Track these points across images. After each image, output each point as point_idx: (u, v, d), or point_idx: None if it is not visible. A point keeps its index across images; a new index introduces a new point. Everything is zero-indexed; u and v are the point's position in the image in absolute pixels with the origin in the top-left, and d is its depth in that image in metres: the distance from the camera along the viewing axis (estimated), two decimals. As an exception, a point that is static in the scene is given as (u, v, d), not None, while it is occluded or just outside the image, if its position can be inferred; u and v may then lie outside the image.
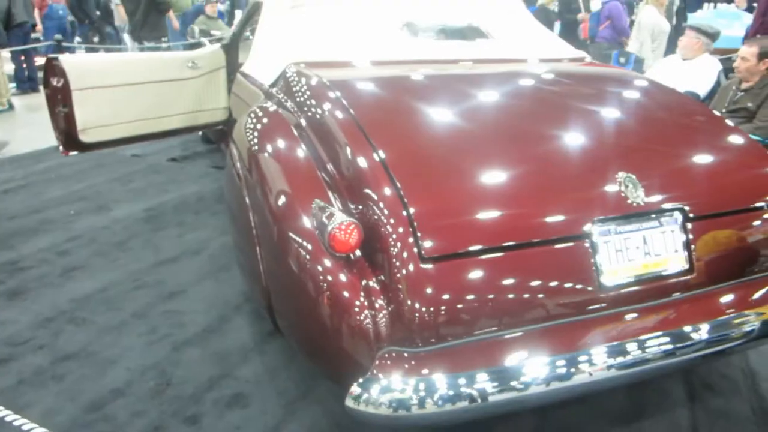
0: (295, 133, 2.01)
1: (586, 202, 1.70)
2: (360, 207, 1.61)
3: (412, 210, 1.52)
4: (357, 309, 1.49)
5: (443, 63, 2.50)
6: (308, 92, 2.12)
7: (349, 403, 1.41)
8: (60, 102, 3.37)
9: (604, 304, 1.63)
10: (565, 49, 2.91)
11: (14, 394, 2.05)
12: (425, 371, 1.43)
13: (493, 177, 1.71)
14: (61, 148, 3.51)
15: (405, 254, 1.48)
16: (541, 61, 2.67)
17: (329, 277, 1.54)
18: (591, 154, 1.86)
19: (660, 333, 1.60)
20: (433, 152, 1.78)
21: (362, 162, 1.66)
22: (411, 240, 1.48)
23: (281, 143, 2.01)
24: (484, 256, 1.53)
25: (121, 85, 3.52)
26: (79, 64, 3.41)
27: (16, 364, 2.21)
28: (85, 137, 3.47)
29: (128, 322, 2.51)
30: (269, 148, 2.03)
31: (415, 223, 1.50)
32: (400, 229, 1.50)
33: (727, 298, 1.78)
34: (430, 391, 1.39)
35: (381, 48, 2.56)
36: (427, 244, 1.49)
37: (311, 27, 2.73)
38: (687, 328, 1.63)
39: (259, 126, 2.20)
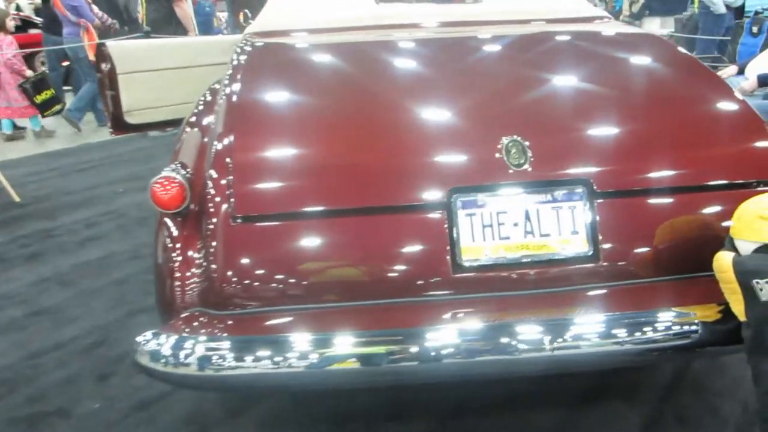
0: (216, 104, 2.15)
1: (450, 168, 1.59)
2: (195, 173, 1.69)
3: (234, 169, 1.56)
4: (174, 267, 1.59)
5: (405, 28, 2.45)
6: (231, 60, 2.26)
7: (136, 355, 1.50)
8: (108, 86, 3.92)
9: (457, 288, 1.52)
10: (578, 7, 2.65)
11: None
12: (214, 335, 1.46)
13: (345, 142, 1.67)
14: (110, 128, 4.07)
15: (217, 213, 1.53)
16: (527, 22, 2.49)
17: (162, 232, 1.66)
18: (477, 118, 1.72)
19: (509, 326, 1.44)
20: (296, 118, 1.78)
21: (206, 128, 1.76)
22: (225, 200, 1.53)
23: (203, 115, 2.18)
24: (306, 220, 1.52)
25: (166, 69, 3.98)
26: (125, 49, 3.93)
27: (-6, 315, 2.67)
28: (131, 119, 3.99)
29: (106, 287, 2.88)
30: (190, 120, 2.21)
31: (234, 184, 1.54)
32: (218, 190, 1.55)
33: (636, 295, 1.53)
34: (208, 354, 1.42)
35: (347, 12, 2.58)
36: (242, 204, 1.52)
37: None
38: (542, 325, 1.44)
39: (200, 99, 2.40)
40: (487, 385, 1.94)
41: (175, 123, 4.20)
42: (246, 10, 5.14)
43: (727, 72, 4.03)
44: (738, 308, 1.40)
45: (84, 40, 6.64)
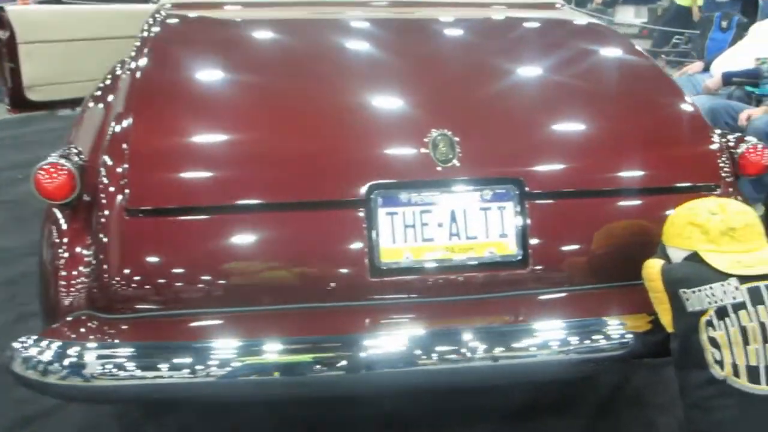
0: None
1: (370, 162, 1.62)
2: (90, 160, 1.67)
3: (131, 159, 1.54)
4: (60, 265, 1.57)
5: (344, 6, 2.48)
6: (142, 31, 2.23)
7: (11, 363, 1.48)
8: (6, 56, 3.81)
9: (375, 294, 1.55)
10: None
11: None
12: (104, 341, 1.46)
13: (259, 130, 1.69)
14: (8, 106, 3.95)
15: (109, 205, 1.52)
16: (474, 6, 2.56)
17: (48, 225, 1.64)
18: (405, 109, 1.76)
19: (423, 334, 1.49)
20: (206, 101, 1.78)
21: (106, 109, 1.75)
22: (118, 191, 1.51)
23: (106, 93, 2.15)
24: (209, 215, 1.53)
25: (76, 40, 3.89)
26: (28, 15, 3.83)
27: None
28: (32, 95, 3.88)
29: (-4, 287, 2.80)
30: (91, 99, 2.18)
31: (129, 173, 1.53)
32: (111, 179, 1.53)
33: (565, 304, 1.60)
34: (79, 363, 1.41)
35: None
36: (137, 195, 1.51)
37: None
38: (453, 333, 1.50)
39: (108, 74, 2.37)
40: (417, 401, 1.98)
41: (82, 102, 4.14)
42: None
43: (693, 68, 4.21)
44: (666, 319, 1.48)
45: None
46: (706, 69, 4.15)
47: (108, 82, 2.27)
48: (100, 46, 3.95)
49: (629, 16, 10.29)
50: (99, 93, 2.19)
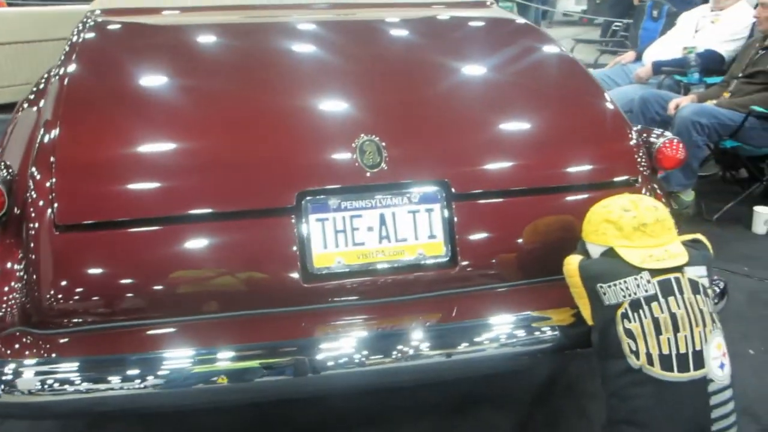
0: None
1: (299, 169, 1.61)
2: (20, 174, 1.62)
3: (59, 171, 1.50)
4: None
5: (273, 9, 2.45)
6: (70, 38, 2.17)
7: None
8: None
9: (308, 298, 1.55)
10: None
11: None
12: (40, 356, 1.43)
13: (190, 139, 1.66)
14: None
15: (38, 221, 1.48)
16: (404, 6, 2.56)
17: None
18: (332, 115, 1.76)
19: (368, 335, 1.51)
20: (135, 110, 1.73)
21: (36, 117, 1.70)
22: (47, 206, 1.48)
23: (36, 103, 2.09)
24: (140, 228, 1.51)
25: (8, 44, 3.72)
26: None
27: None
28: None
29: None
30: (20, 109, 2.12)
31: (57, 187, 1.49)
32: (39, 194, 1.50)
33: (494, 301, 1.63)
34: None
35: None
36: (65, 210, 1.48)
37: None
38: (397, 332, 1.52)
39: (38, 81, 2.30)
40: (359, 398, 1.99)
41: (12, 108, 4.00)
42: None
43: (626, 58, 4.29)
44: (586, 312, 1.51)
45: None
46: (639, 58, 4.23)
47: (39, 88, 2.21)
48: (33, 49, 3.83)
49: (570, 4, 10.44)
50: (29, 101, 2.13)
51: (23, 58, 3.68)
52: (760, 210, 3.40)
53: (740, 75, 3.48)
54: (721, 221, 3.47)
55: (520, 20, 2.49)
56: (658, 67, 3.87)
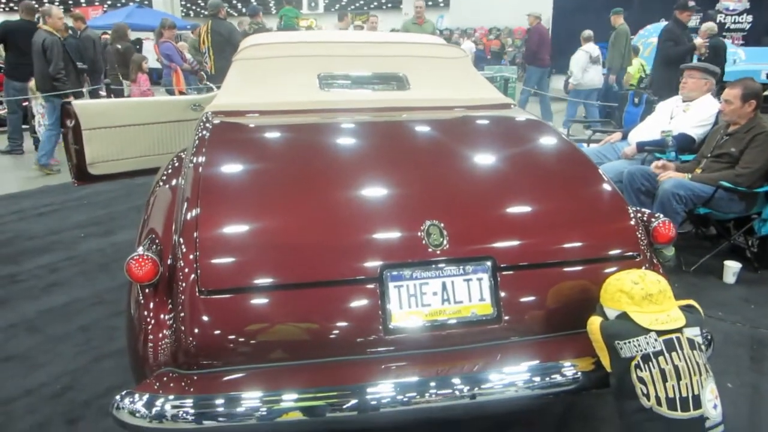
0: (182, 173, 2.26)
1: (381, 248, 1.78)
2: (164, 243, 1.81)
3: (201, 248, 1.69)
4: (147, 331, 1.69)
5: (345, 112, 2.64)
6: (196, 135, 2.38)
7: (112, 410, 1.60)
8: (73, 140, 3.93)
9: (388, 347, 1.70)
10: (490, 96, 2.93)
11: (-48, 386, 2.45)
12: (182, 391, 1.58)
13: (296, 222, 1.83)
14: (73, 179, 4.06)
15: (186, 287, 1.66)
16: (448, 109, 2.74)
17: (135, 300, 1.77)
18: (403, 202, 1.93)
19: (427, 378, 1.64)
20: (250, 196, 1.91)
21: (182, 201, 1.88)
22: (193, 274, 1.66)
23: (170, 182, 2.29)
24: (261, 293, 1.68)
25: (128, 126, 4.03)
26: (90, 107, 3.96)
27: (-33, 362, 2.64)
28: (93, 170, 4.00)
29: (71, 333, 2.88)
30: (158, 186, 2.32)
31: (200, 260, 1.67)
32: (186, 264, 1.68)
33: (530, 350, 1.76)
34: (177, 408, 1.54)
35: (294, 97, 2.75)
36: (207, 279, 1.66)
37: (249, 74, 2.98)
38: (458, 376, 1.65)
39: (167, 166, 2.51)
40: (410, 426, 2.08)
41: (134, 174, 4.26)
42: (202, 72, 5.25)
43: (613, 138, 4.45)
44: (605, 361, 1.65)
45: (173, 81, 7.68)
46: (625, 137, 4.39)
47: (169, 171, 2.40)
48: (144, 130, 4.11)
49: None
50: (163, 182, 2.32)
51: (136, 137, 3.97)
52: (729, 264, 3.51)
53: (709, 155, 3.63)
54: (697, 272, 3.55)
55: (539, 119, 2.67)
56: (641, 146, 4.03)
